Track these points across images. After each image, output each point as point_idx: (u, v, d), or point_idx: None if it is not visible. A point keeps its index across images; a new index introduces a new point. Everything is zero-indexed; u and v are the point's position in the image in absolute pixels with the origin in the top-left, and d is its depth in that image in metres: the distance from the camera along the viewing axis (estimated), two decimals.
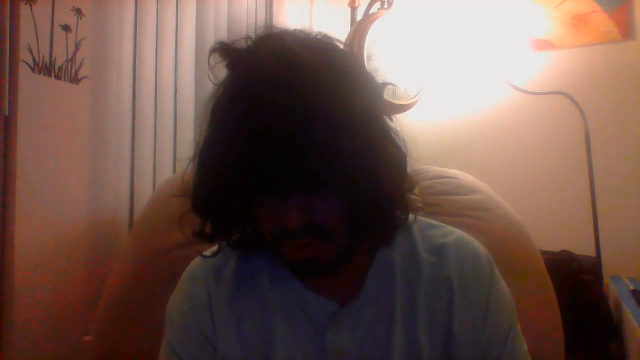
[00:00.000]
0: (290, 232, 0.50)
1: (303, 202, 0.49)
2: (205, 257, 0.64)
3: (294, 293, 0.60)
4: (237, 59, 0.52)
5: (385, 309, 0.58)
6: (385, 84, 0.58)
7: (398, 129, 0.57)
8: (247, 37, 0.53)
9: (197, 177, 0.55)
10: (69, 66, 1.03)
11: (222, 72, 0.55)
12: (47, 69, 0.98)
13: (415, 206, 0.61)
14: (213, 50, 0.53)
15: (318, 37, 0.54)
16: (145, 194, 1.20)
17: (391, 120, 0.56)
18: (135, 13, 1.21)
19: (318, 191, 0.49)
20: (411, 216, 0.59)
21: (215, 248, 0.66)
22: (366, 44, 1.43)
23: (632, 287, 1.23)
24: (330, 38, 0.55)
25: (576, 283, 1.24)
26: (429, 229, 0.63)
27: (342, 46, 0.56)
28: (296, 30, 0.54)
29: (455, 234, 0.63)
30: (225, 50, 0.52)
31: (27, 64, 0.94)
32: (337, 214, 0.51)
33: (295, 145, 0.46)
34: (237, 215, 0.57)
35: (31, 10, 0.94)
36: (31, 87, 0.95)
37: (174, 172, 1.31)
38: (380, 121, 0.54)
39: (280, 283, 0.61)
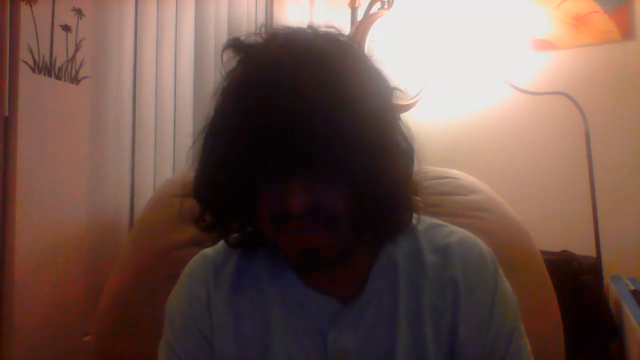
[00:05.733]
0: (292, 215, 0.49)
1: (306, 185, 0.49)
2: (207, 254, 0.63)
3: (294, 292, 0.59)
4: (251, 52, 0.52)
5: (388, 308, 0.57)
6: (394, 88, 0.58)
7: (407, 126, 0.57)
8: (260, 33, 0.54)
9: (200, 160, 0.55)
10: (69, 66, 1.03)
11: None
12: (47, 69, 0.98)
13: (419, 207, 0.60)
14: (227, 47, 0.53)
15: (330, 31, 0.55)
16: (145, 194, 1.19)
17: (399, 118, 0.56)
18: (135, 13, 1.20)
19: (321, 173, 0.48)
20: (415, 217, 0.59)
21: (216, 246, 0.66)
22: (366, 44, 1.43)
23: (632, 287, 1.23)
24: (340, 32, 0.56)
25: (576, 283, 1.24)
26: (431, 228, 0.63)
27: (351, 42, 0.57)
28: (308, 27, 0.55)
29: (458, 233, 0.62)
30: (239, 46, 0.53)
31: (27, 64, 0.94)
32: (341, 201, 0.50)
33: (298, 121, 0.46)
34: (238, 202, 0.55)
35: (31, 10, 0.94)
36: (31, 87, 0.95)
37: (174, 172, 1.31)
38: (390, 113, 0.54)
39: (280, 281, 0.60)
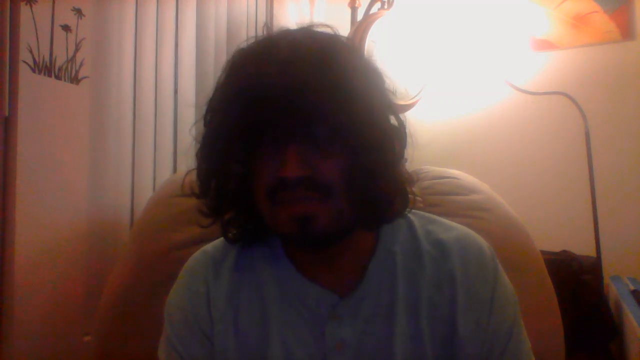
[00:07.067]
0: (287, 183, 0.50)
1: (303, 154, 0.50)
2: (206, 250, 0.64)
3: (293, 284, 0.59)
4: (251, 42, 0.56)
5: (386, 301, 0.58)
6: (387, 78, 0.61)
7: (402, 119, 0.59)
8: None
9: (201, 136, 0.57)
10: (69, 66, 1.03)
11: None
12: (47, 69, 0.98)
13: (414, 198, 0.60)
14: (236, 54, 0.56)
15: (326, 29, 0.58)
16: (145, 194, 1.20)
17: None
18: (135, 13, 1.21)
19: (317, 140, 0.50)
20: (410, 206, 0.60)
21: (216, 242, 0.67)
22: (366, 44, 1.43)
23: (632, 287, 1.23)
24: (335, 31, 0.58)
25: (576, 283, 1.24)
26: (430, 222, 0.63)
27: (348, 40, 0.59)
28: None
29: (457, 228, 0.63)
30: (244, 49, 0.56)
31: (27, 64, 0.94)
32: (336, 169, 0.51)
33: (295, 86, 0.48)
34: (236, 178, 0.56)
35: (31, 10, 0.94)
36: (31, 87, 0.95)
37: (174, 172, 1.31)
38: (384, 95, 0.56)
39: (279, 274, 0.61)
